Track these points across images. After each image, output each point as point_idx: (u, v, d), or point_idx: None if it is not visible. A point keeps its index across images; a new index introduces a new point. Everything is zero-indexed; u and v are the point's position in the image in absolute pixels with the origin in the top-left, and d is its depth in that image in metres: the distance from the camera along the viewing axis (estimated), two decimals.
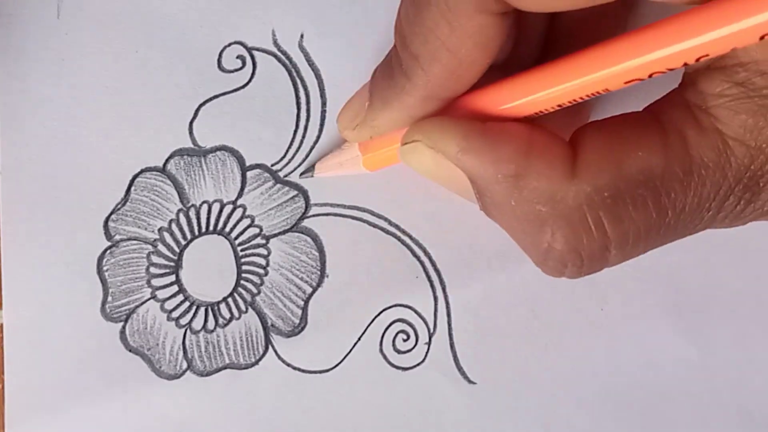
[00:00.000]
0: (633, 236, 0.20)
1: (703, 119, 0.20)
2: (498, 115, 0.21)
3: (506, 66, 0.23)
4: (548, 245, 0.21)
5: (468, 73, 0.21)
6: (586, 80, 0.19)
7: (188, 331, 0.28)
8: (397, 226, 0.28)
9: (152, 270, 0.28)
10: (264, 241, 0.28)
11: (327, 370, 0.28)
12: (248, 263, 0.28)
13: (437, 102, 0.22)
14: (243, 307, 0.28)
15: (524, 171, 0.20)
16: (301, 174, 0.28)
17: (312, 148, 0.28)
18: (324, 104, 0.28)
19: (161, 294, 0.28)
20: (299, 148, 0.28)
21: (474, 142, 0.20)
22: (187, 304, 0.28)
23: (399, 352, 0.28)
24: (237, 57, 0.28)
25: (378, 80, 0.23)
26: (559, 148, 0.20)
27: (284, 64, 0.28)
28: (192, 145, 0.28)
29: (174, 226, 0.28)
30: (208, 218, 0.28)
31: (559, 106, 0.21)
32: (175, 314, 0.28)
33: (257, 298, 0.28)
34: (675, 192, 0.20)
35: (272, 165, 0.28)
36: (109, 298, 0.28)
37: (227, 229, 0.28)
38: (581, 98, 0.20)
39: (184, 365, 0.28)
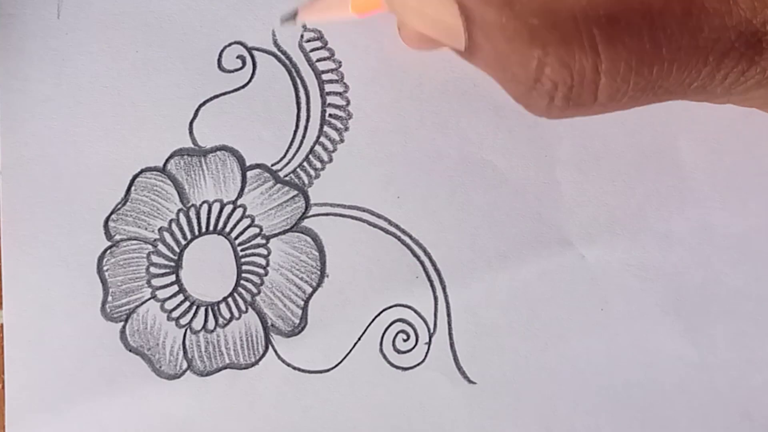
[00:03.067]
0: (624, 64, 0.19)
1: None
2: None
3: None
4: (538, 62, 0.19)
5: None
6: None
7: (188, 330, 0.28)
8: (397, 226, 0.28)
9: (152, 270, 0.28)
10: (264, 241, 0.28)
11: (327, 370, 0.28)
12: (248, 263, 0.28)
13: None
14: (243, 307, 0.28)
15: None
16: (283, 20, 0.27)
17: (312, 147, 0.28)
18: (324, 104, 0.28)
19: (161, 294, 0.28)
20: (299, 147, 0.28)
21: None
22: (187, 304, 0.28)
23: (399, 352, 0.28)
24: (237, 57, 0.28)
25: None
26: None
27: (284, 64, 0.28)
28: (192, 145, 0.28)
29: (174, 226, 0.28)
30: (208, 218, 0.28)
31: None
32: (175, 314, 0.28)
33: (257, 298, 0.28)
34: (671, 29, 0.19)
35: (272, 165, 0.28)
36: (110, 298, 0.28)
37: (227, 229, 0.28)
38: None
39: (184, 365, 0.28)
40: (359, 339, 0.28)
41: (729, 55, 0.19)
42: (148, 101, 0.28)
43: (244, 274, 0.28)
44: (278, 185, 0.28)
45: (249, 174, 0.28)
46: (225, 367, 0.28)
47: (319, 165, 0.28)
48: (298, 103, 0.28)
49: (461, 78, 0.28)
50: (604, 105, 0.20)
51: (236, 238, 0.28)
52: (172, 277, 0.28)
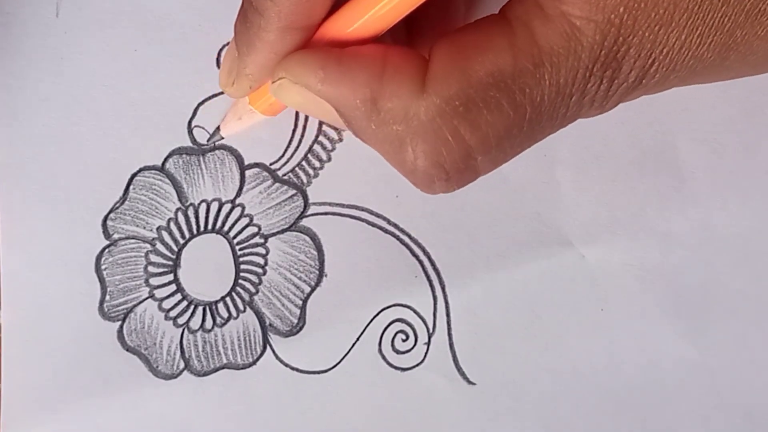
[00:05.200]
0: (494, 139, 0.20)
1: (548, 6, 0.19)
2: (354, 38, 0.21)
3: None
4: (412, 163, 0.21)
5: None
6: None
7: (186, 330, 0.28)
8: (396, 226, 0.28)
9: (150, 269, 0.28)
10: (262, 240, 0.28)
11: (325, 371, 0.28)
12: (246, 262, 0.28)
13: (298, 33, 0.21)
14: (241, 307, 0.28)
15: (378, 94, 0.20)
16: (208, 140, 0.28)
17: (311, 146, 0.28)
18: None
19: (159, 293, 0.28)
20: (298, 146, 0.28)
21: (330, 71, 0.21)
22: (185, 303, 0.28)
23: (398, 352, 0.28)
24: None
25: (238, 28, 0.23)
26: (412, 66, 0.20)
27: None
28: (191, 144, 0.28)
29: (172, 225, 0.28)
30: (207, 217, 0.28)
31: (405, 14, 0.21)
32: (172, 313, 0.28)
33: (255, 298, 0.28)
34: (529, 87, 0.20)
35: (271, 164, 0.28)
36: (107, 297, 0.28)
37: (226, 228, 0.28)
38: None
39: (182, 365, 0.28)
40: (358, 339, 0.28)
41: (590, 81, 0.20)
42: (147, 100, 0.28)
43: (242, 274, 0.28)
44: (277, 184, 0.28)
45: (248, 173, 0.28)
46: (222, 367, 0.28)
47: (317, 164, 0.28)
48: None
49: None
50: (491, 169, 0.21)
51: (234, 237, 0.28)
52: (170, 277, 0.28)
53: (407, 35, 0.25)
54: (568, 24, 0.19)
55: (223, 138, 0.28)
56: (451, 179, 0.21)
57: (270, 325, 0.28)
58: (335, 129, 0.28)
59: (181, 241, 0.28)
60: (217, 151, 0.28)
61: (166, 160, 0.28)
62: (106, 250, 0.28)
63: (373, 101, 0.20)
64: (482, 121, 0.20)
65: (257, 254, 0.28)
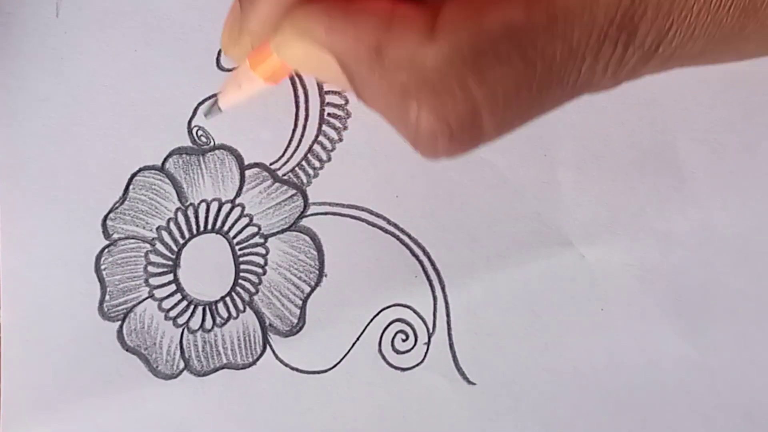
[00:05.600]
0: (502, 94, 0.19)
1: None
2: None
3: None
4: (415, 117, 0.20)
5: None
6: None
7: (185, 330, 0.28)
8: (396, 225, 0.28)
9: (150, 269, 0.28)
10: (262, 240, 0.28)
11: (325, 371, 0.28)
12: (246, 262, 0.28)
13: None
14: (241, 307, 0.28)
15: (385, 41, 0.19)
16: (206, 114, 0.27)
17: (311, 146, 0.28)
18: (323, 103, 0.28)
19: (159, 293, 0.28)
20: (298, 146, 0.28)
21: (337, 21, 0.20)
22: (184, 303, 0.28)
23: (398, 352, 0.28)
24: None
25: None
26: (421, 16, 0.19)
27: None
28: (191, 144, 0.28)
29: (172, 225, 0.28)
30: (207, 217, 0.28)
31: None
32: (172, 313, 0.28)
33: (255, 298, 0.28)
34: (541, 42, 0.19)
35: (271, 164, 0.28)
36: (107, 297, 0.28)
37: (225, 228, 0.28)
38: None
39: (181, 365, 0.28)
40: (358, 339, 0.28)
41: (604, 44, 0.19)
42: (147, 100, 0.28)
43: (242, 274, 0.28)
44: (277, 184, 0.28)
45: (247, 173, 0.28)
46: (222, 367, 0.28)
47: (317, 164, 0.28)
48: (297, 102, 0.28)
49: None
50: (496, 133, 0.20)
51: (234, 237, 0.28)
52: (170, 276, 0.28)
53: None
54: None
55: (221, 111, 0.26)
56: (454, 137, 0.20)
57: (270, 325, 0.28)
58: (335, 129, 0.28)
59: (181, 241, 0.28)
60: (217, 151, 0.28)
61: (166, 160, 0.28)
62: (106, 250, 0.28)
63: (378, 49, 0.19)
64: (491, 74, 0.19)
65: (257, 254, 0.28)
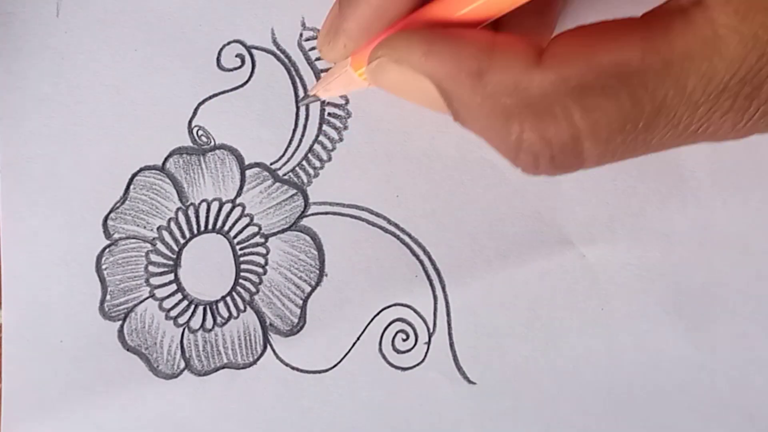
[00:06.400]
0: (606, 128, 0.19)
1: (693, 12, 0.18)
2: (460, 21, 0.21)
3: None
4: (517, 137, 0.20)
5: None
6: None
7: (186, 330, 0.28)
8: (396, 225, 0.28)
9: (151, 269, 0.28)
10: (263, 240, 0.28)
11: (325, 370, 0.28)
12: (247, 262, 0.28)
13: None
14: (241, 306, 0.28)
15: (487, 66, 0.20)
16: (301, 100, 0.28)
17: (311, 146, 0.28)
18: (323, 103, 0.28)
19: (160, 293, 0.28)
20: (298, 146, 0.28)
21: (436, 45, 0.20)
22: (185, 303, 0.28)
23: (398, 351, 0.28)
24: (236, 56, 0.28)
25: None
26: (525, 46, 0.20)
27: (283, 63, 0.28)
28: (191, 144, 0.28)
29: (173, 225, 0.28)
30: (207, 217, 0.28)
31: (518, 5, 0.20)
32: (173, 313, 0.28)
33: (256, 297, 0.28)
34: (653, 84, 0.19)
35: (271, 164, 0.28)
36: (108, 297, 0.28)
37: (226, 228, 0.28)
38: None
39: (182, 365, 0.28)
40: (358, 339, 0.28)
41: (723, 96, 0.19)
42: (148, 100, 0.28)
43: (242, 273, 0.28)
44: (277, 184, 0.28)
45: (248, 173, 0.28)
46: (223, 367, 0.28)
47: (318, 164, 0.28)
48: (297, 102, 0.28)
49: None
50: (597, 163, 0.21)
51: (235, 236, 0.28)
52: (171, 276, 0.28)
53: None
54: (710, 30, 0.18)
55: (317, 99, 0.27)
56: (555, 159, 0.20)
57: (270, 324, 0.28)
58: (335, 128, 0.28)
59: (182, 241, 0.28)
60: (217, 151, 0.28)
61: (166, 159, 0.28)
62: (107, 250, 0.28)
63: (479, 74, 0.20)
64: (596, 107, 0.19)
65: (257, 254, 0.28)
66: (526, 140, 0.20)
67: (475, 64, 0.20)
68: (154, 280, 0.28)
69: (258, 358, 0.28)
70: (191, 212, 0.28)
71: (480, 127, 0.21)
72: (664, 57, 0.18)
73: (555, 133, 0.19)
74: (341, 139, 0.28)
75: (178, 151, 0.28)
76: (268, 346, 0.28)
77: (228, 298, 0.28)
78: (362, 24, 0.22)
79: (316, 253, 0.28)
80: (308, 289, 0.28)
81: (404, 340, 0.28)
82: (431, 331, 0.28)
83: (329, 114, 0.28)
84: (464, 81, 0.20)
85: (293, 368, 0.28)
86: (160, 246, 0.28)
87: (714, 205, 0.28)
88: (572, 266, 0.28)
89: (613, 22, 0.20)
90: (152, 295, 0.28)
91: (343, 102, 0.28)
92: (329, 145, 0.28)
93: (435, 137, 0.28)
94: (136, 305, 0.28)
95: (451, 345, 0.28)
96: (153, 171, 0.28)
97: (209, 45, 0.28)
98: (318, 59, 0.28)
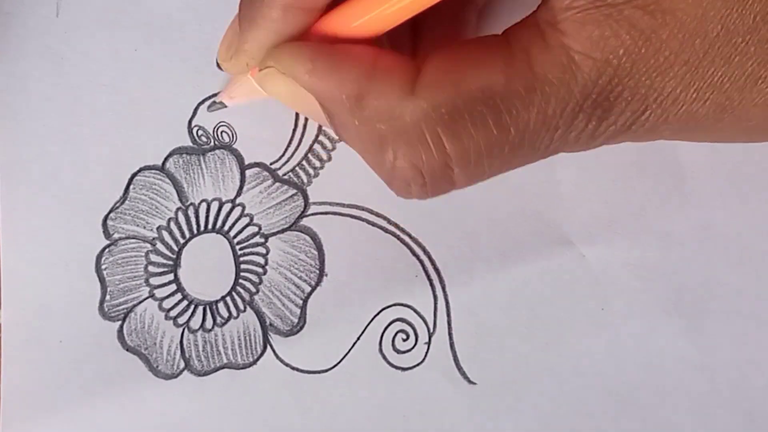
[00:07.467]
0: (474, 153, 0.20)
1: (550, 36, 0.19)
2: (351, 35, 0.22)
3: None
4: (391, 164, 0.21)
5: None
6: None
7: (186, 330, 0.28)
8: (396, 225, 0.28)
9: (151, 269, 0.28)
10: (263, 240, 0.28)
11: (326, 370, 0.28)
12: (247, 262, 0.28)
13: (301, 14, 0.21)
14: (241, 306, 0.28)
15: (366, 91, 0.20)
16: (209, 108, 0.28)
17: (311, 146, 0.28)
18: None
19: (159, 293, 0.28)
20: (298, 146, 0.28)
21: (320, 64, 0.21)
22: (185, 303, 0.28)
23: (398, 351, 0.28)
24: None
25: (242, 2, 0.23)
26: (403, 70, 0.21)
27: None
28: (191, 144, 0.28)
29: (173, 225, 0.28)
30: (207, 217, 0.28)
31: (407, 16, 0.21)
32: (173, 313, 0.28)
33: (256, 297, 0.28)
34: (516, 109, 0.20)
35: (271, 163, 0.28)
36: (107, 297, 0.28)
37: (226, 228, 0.28)
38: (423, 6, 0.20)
39: (182, 365, 0.28)
40: (358, 339, 0.28)
41: (578, 117, 0.20)
42: (147, 100, 0.28)
43: (242, 273, 0.28)
44: (277, 184, 0.28)
45: (248, 173, 0.28)
46: (222, 367, 0.28)
47: (318, 164, 0.28)
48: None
49: None
50: (466, 184, 0.22)
51: (235, 236, 0.28)
52: (171, 276, 0.28)
53: (413, 44, 0.25)
54: (566, 56, 0.19)
55: (225, 107, 0.27)
56: (426, 185, 0.21)
57: (270, 324, 0.28)
58: None
59: (182, 241, 0.28)
60: (217, 151, 0.28)
61: (166, 159, 0.28)
62: (107, 250, 0.28)
63: (358, 98, 0.20)
64: (465, 134, 0.20)
65: (257, 254, 0.28)
66: (399, 168, 0.21)
67: (355, 88, 0.20)
68: (154, 280, 0.28)
69: (258, 358, 0.28)
70: (191, 212, 0.28)
71: (358, 148, 0.22)
72: (526, 83, 0.19)
73: (426, 161, 0.21)
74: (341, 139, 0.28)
75: (178, 151, 0.28)
76: (268, 346, 0.28)
77: (228, 298, 0.28)
78: (263, 44, 0.22)
79: (316, 253, 0.28)
80: (308, 289, 0.28)
81: (404, 340, 0.28)
82: (431, 331, 0.28)
83: None
84: (344, 102, 0.21)
85: (293, 368, 0.28)
86: (159, 246, 0.28)
87: (714, 205, 0.28)
88: (572, 266, 0.28)
89: (480, 41, 0.21)
90: (152, 295, 0.28)
91: None
92: (329, 145, 0.29)
93: None
94: (135, 305, 0.28)
95: (451, 345, 0.28)
96: (153, 171, 0.28)
97: (209, 45, 0.28)
98: None
